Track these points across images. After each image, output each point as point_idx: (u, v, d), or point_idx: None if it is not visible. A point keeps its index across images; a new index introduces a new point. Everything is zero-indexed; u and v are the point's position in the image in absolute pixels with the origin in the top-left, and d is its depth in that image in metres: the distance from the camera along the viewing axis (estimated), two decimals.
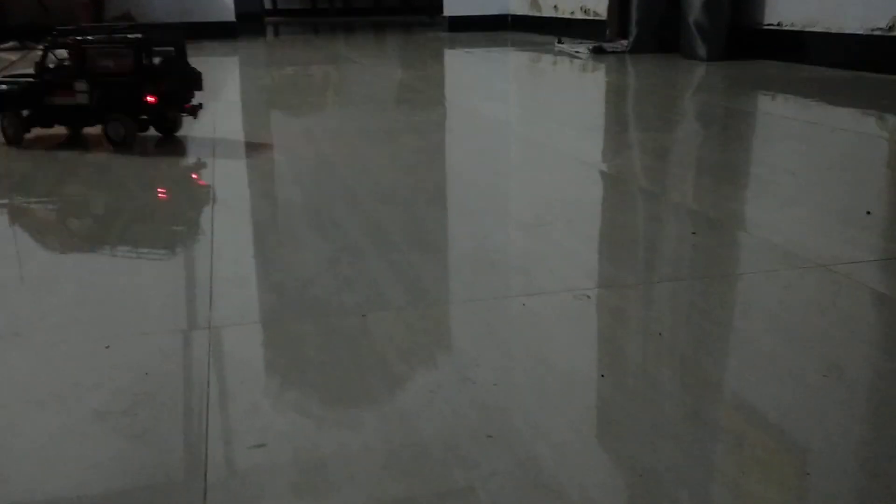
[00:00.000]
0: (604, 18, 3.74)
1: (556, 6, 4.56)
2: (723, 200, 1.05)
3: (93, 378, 0.60)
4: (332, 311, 0.71)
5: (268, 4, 7.79)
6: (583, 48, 3.40)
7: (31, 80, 1.45)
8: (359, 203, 1.07)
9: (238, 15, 4.74)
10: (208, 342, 0.66)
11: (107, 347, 0.65)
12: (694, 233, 0.92)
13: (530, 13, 4.94)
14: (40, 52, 1.44)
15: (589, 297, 0.74)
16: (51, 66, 1.44)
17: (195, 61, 1.58)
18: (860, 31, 2.42)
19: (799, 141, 1.45)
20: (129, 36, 1.42)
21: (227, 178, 1.24)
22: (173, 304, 0.74)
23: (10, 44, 3.96)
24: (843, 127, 1.60)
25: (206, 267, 0.84)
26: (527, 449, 0.50)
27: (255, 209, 1.06)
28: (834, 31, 2.53)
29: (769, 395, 0.56)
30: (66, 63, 1.43)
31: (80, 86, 1.41)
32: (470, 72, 2.94)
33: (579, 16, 4.27)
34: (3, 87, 1.46)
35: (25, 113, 1.47)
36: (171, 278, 0.81)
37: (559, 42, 3.84)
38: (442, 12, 5.23)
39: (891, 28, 2.32)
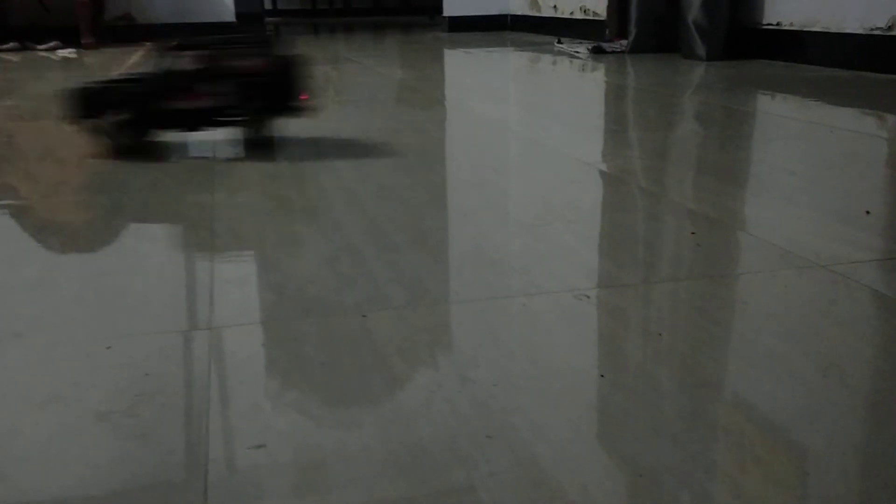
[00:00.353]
0: (603, 18, 3.74)
1: (555, 6, 4.56)
2: (722, 200, 1.05)
3: (93, 378, 0.60)
4: (332, 310, 0.71)
5: (267, 5, 7.79)
6: (582, 48, 3.40)
7: (145, 83, 1.38)
8: (358, 202, 1.07)
9: (238, 15, 4.74)
10: (209, 342, 0.66)
11: (107, 348, 0.65)
12: (693, 233, 0.92)
13: (530, 13, 4.94)
14: (154, 56, 1.37)
15: (589, 297, 0.74)
16: (163, 69, 1.37)
17: None
18: (859, 31, 2.42)
19: (798, 140, 1.46)
20: (256, 36, 1.40)
21: (227, 177, 1.24)
22: (174, 305, 0.74)
23: (11, 44, 3.96)
24: (843, 126, 1.60)
25: (206, 267, 0.84)
26: (526, 449, 0.50)
27: (255, 208, 1.06)
28: (833, 30, 2.53)
29: (768, 395, 0.56)
30: (190, 67, 1.37)
31: (224, 87, 1.36)
32: (470, 72, 2.94)
33: (578, 16, 4.27)
34: (122, 90, 1.39)
35: (131, 119, 1.39)
36: (171, 278, 0.81)
37: (558, 42, 3.84)
38: (441, 12, 5.23)
39: (890, 27, 2.32)
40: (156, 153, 1.42)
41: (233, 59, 1.38)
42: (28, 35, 4.04)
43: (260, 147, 1.41)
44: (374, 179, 1.21)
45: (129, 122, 1.40)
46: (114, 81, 1.46)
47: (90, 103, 1.38)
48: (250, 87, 1.38)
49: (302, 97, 1.39)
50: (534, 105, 2.05)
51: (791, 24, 2.70)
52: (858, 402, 0.55)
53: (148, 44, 1.43)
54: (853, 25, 2.44)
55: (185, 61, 1.37)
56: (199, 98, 1.37)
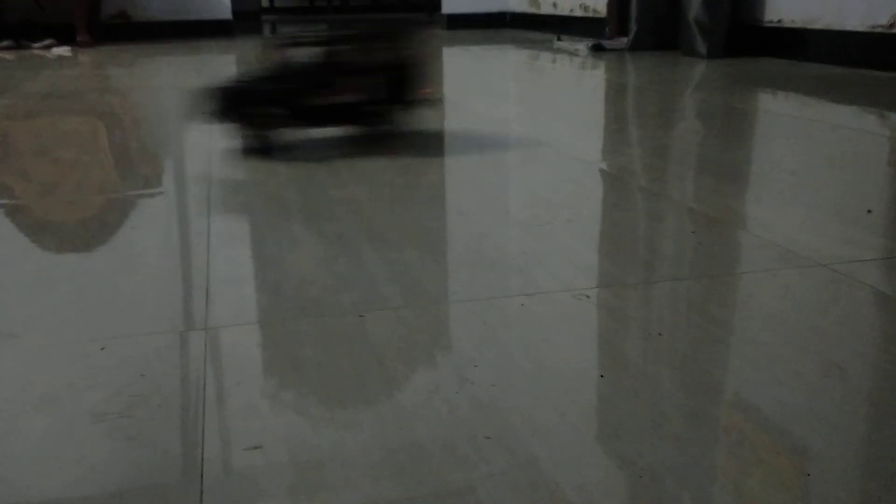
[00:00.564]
0: (603, 16, 3.73)
1: (555, 3, 4.56)
2: (723, 199, 1.05)
3: (89, 379, 0.59)
4: (330, 311, 0.71)
5: (265, 2, 7.78)
6: (582, 46, 3.39)
7: (289, 79, 1.33)
8: (356, 201, 1.07)
9: (235, 13, 4.72)
10: (205, 343, 0.65)
11: (102, 348, 0.64)
12: (694, 232, 0.92)
13: (529, 11, 4.94)
14: (285, 51, 1.32)
15: (588, 296, 0.73)
16: (305, 65, 1.32)
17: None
18: (861, 29, 2.42)
19: (799, 139, 1.45)
20: (388, 29, 1.38)
21: (223, 176, 1.24)
22: (169, 305, 0.73)
23: (6, 42, 3.95)
24: (844, 125, 1.59)
25: (202, 267, 0.83)
26: (525, 449, 0.50)
27: (252, 208, 1.06)
28: (835, 28, 2.52)
29: (769, 395, 0.55)
30: (333, 61, 1.32)
31: (371, 81, 1.32)
32: (468, 70, 2.93)
33: (578, 13, 4.27)
34: (266, 87, 1.34)
35: (274, 116, 1.35)
36: (167, 279, 0.81)
37: (558, 40, 3.83)
38: (440, 10, 5.22)
39: (891, 25, 2.31)
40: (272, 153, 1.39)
41: (375, 53, 1.34)
42: (23, 33, 4.03)
43: (381, 140, 1.38)
44: (372, 178, 1.20)
45: (272, 119, 1.34)
46: (255, 79, 1.39)
47: (233, 102, 1.33)
48: (395, 81, 1.34)
49: (427, 90, 1.37)
50: (533, 103, 2.05)
51: (793, 22, 2.70)
52: (859, 401, 0.55)
53: (270, 39, 1.39)
54: (854, 23, 2.44)
55: (325, 55, 1.32)
56: (345, 93, 1.32)
